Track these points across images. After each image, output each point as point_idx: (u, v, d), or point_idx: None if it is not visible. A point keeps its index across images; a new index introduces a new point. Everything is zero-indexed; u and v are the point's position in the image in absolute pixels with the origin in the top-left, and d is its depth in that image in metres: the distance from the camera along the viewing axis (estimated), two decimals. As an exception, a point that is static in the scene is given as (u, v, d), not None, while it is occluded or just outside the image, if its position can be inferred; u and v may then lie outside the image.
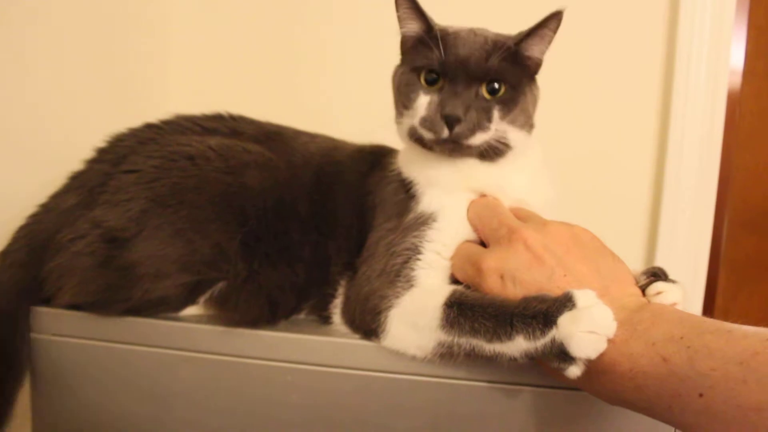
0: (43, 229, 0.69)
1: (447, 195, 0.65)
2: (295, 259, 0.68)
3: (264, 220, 0.67)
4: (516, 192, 0.66)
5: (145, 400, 0.65)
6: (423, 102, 0.63)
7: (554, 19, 0.63)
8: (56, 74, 0.90)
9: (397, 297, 0.60)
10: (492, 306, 0.54)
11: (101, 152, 0.73)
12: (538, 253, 0.55)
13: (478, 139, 0.62)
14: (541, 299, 0.52)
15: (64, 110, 0.92)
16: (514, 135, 0.64)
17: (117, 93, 1.06)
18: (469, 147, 0.63)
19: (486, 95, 0.63)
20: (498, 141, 0.63)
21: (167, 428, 0.65)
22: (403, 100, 0.65)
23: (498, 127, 0.63)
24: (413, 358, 0.59)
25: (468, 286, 0.60)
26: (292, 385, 0.62)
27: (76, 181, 0.72)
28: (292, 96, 1.22)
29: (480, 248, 0.61)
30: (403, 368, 0.60)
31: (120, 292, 0.64)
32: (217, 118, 0.77)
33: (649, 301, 0.55)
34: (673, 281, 0.59)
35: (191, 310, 0.68)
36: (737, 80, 1.24)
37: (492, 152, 0.64)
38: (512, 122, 0.64)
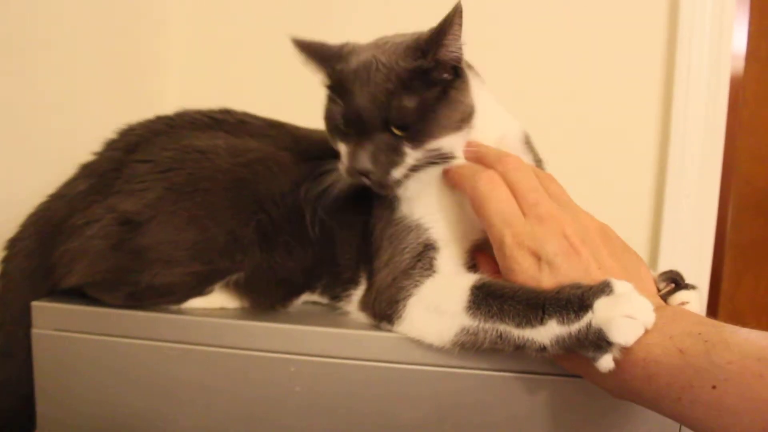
0: (53, 215, 0.68)
1: (421, 201, 0.65)
2: (307, 243, 0.68)
3: (282, 208, 0.68)
4: None
5: (148, 394, 0.65)
6: (342, 152, 0.64)
7: (458, 14, 0.58)
8: (52, 72, 0.90)
9: (416, 286, 0.60)
10: (523, 290, 0.53)
11: (112, 142, 0.74)
12: (576, 245, 0.55)
13: (398, 173, 0.61)
14: (576, 285, 0.52)
15: (62, 107, 0.92)
16: (441, 144, 0.62)
17: (115, 90, 1.06)
18: (397, 182, 0.62)
19: (396, 132, 0.61)
20: (427, 158, 0.62)
21: (171, 420, 0.65)
22: (333, 136, 0.66)
23: (416, 154, 0.62)
24: (430, 346, 0.58)
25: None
26: (296, 375, 0.62)
27: (87, 169, 0.72)
28: (296, 94, 1.21)
29: (519, 215, 0.57)
30: (405, 358, 0.60)
31: (129, 275, 0.64)
32: (224, 111, 0.78)
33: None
34: (692, 287, 0.59)
35: (196, 303, 0.68)
36: (740, 64, 1.23)
37: (430, 165, 0.63)
38: (433, 138, 0.62)
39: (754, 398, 0.41)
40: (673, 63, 1.14)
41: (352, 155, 0.62)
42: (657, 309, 0.50)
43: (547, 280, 0.54)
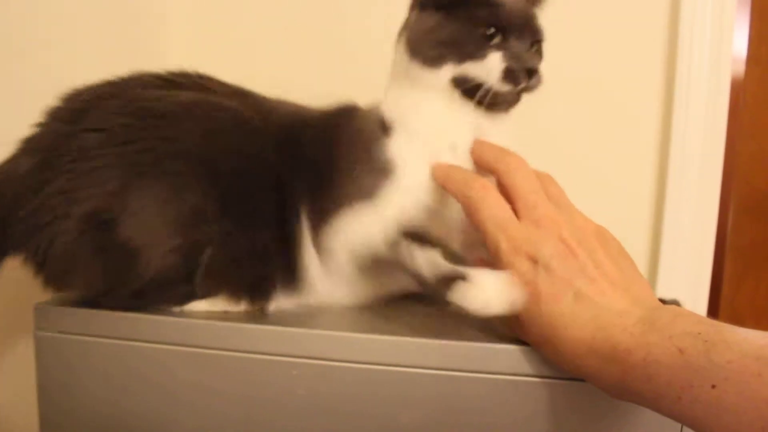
0: None
1: (431, 143, 0.67)
2: (269, 224, 0.67)
3: (244, 184, 0.65)
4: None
5: (150, 396, 0.65)
6: (496, 57, 0.64)
7: None
8: (51, 70, 0.90)
9: None
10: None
11: (55, 111, 0.66)
12: (572, 247, 0.55)
13: (539, 88, 0.68)
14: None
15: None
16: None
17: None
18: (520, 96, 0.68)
19: (533, 49, 0.68)
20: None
21: (172, 422, 0.65)
22: (464, 52, 0.65)
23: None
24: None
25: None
26: (298, 378, 0.62)
27: (29, 144, 0.65)
28: (297, 90, 1.22)
29: (513, 219, 0.58)
30: (406, 361, 0.60)
31: (124, 273, 0.62)
32: (184, 74, 0.72)
33: None
34: None
35: (199, 306, 0.67)
36: (740, 67, 1.23)
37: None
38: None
39: (753, 397, 0.41)
40: (673, 66, 1.14)
41: (520, 56, 0.64)
42: (656, 309, 0.50)
43: (543, 283, 0.54)
